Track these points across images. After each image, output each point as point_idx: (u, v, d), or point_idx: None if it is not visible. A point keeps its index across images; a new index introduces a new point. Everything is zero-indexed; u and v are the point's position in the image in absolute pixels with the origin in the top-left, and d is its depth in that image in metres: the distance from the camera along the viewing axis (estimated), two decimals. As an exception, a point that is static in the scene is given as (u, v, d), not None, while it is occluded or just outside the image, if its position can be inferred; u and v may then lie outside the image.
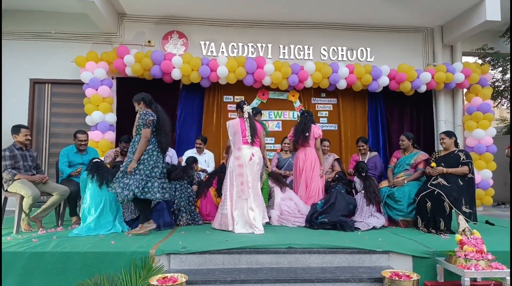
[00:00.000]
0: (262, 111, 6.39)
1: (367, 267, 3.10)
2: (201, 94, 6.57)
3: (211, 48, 6.66)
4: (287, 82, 6.22)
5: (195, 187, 4.76)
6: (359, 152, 5.43)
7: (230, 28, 6.73)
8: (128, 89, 6.04)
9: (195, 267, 3.02)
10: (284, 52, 6.80)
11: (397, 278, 2.69)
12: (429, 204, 3.96)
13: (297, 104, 6.75)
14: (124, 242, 3.25)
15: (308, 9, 6.33)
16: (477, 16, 6.07)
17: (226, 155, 4.30)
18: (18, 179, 3.92)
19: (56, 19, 6.40)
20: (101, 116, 5.87)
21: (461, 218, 3.10)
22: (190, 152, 5.63)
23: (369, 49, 6.92)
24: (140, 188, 3.57)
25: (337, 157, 5.67)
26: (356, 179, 4.69)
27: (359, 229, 4.05)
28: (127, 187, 3.54)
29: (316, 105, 6.84)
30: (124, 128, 5.82)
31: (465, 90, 6.97)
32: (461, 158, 4.09)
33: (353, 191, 4.73)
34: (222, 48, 6.67)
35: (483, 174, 6.41)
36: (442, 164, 4.14)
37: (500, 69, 8.13)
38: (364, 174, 4.61)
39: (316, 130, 4.85)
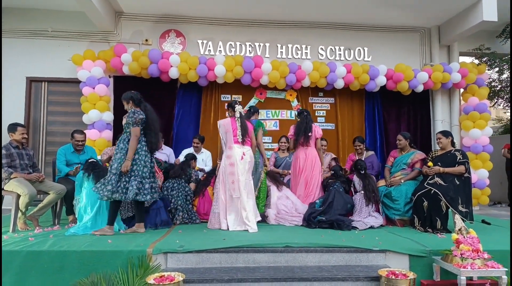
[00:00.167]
0: (260, 110, 6.43)
1: (364, 266, 3.11)
2: (198, 93, 6.56)
3: (209, 47, 6.64)
4: (284, 81, 6.22)
5: (192, 185, 4.76)
6: (356, 152, 5.45)
7: (227, 27, 6.72)
8: (126, 87, 5.92)
9: (192, 266, 3.01)
10: (282, 51, 6.79)
11: (393, 277, 2.70)
12: (425, 203, 3.98)
13: (295, 103, 6.76)
14: (121, 241, 3.24)
15: (306, 8, 6.33)
16: (474, 17, 6.09)
17: (220, 161, 4.34)
18: (14, 177, 3.90)
19: (53, 17, 6.37)
20: (98, 114, 5.85)
21: (458, 217, 3.12)
22: (188, 151, 5.62)
23: (367, 48, 6.93)
24: (137, 190, 3.59)
25: (334, 156, 5.69)
26: (355, 178, 4.68)
27: (357, 228, 4.07)
28: (126, 191, 3.54)
29: (314, 104, 6.84)
30: (121, 127, 5.73)
31: (461, 90, 7.00)
32: (458, 158, 4.11)
33: (352, 190, 4.73)
34: (220, 47, 6.66)
35: (480, 174, 6.44)
36: (439, 163, 4.16)
37: (497, 69, 8.16)
38: (363, 172, 4.62)
39: (317, 130, 4.93)
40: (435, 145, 6.25)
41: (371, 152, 5.48)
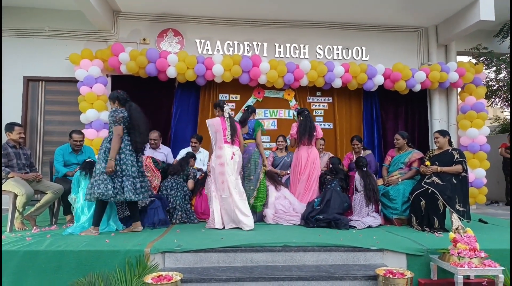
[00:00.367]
0: (258, 110, 6.44)
1: (362, 265, 3.12)
2: (196, 93, 6.55)
3: (207, 46, 6.64)
4: (282, 81, 6.22)
5: (190, 182, 4.75)
6: (353, 151, 5.45)
7: (225, 26, 6.71)
8: (123, 87, 5.90)
9: (190, 266, 3.01)
10: (280, 51, 6.79)
11: (391, 276, 2.70)
12: (423, 202, 3.99)
13: (293, 102, 6.75)
14: (118, 241, 3.23)
15: (304, 8, 6.33)
16: (471, 16, 6.11)
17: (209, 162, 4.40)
18: (11, 177, 3.89)
19: (50, 16, 6.35)
20: (95, 114, 5.84)
21: (455, 216, 3.13)
22: (185, 151, 5.61)
23: (365, 48, 6.94)
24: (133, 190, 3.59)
25: (332, 156, 5.68)
26: (356, 176, 4.63)
27: (355, 227, 4.08)
28: (122, 191, 3.54)
29: (312, 103, 6.84)
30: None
31: (459, 89, 7.01)
32: (455, 157, 4.12)
33: (353, 188, 4.69)
34: (218, 46, 6.65)
35: (477, 173, 6.46)
36: (436, 162, 4.16)
37: (494, 68, 8.20)
38: (364, 169, 4.60)
39: (319, 129, 4.96)
40: (433, 144, 6.28)
41: (368, 151, 5.48)
